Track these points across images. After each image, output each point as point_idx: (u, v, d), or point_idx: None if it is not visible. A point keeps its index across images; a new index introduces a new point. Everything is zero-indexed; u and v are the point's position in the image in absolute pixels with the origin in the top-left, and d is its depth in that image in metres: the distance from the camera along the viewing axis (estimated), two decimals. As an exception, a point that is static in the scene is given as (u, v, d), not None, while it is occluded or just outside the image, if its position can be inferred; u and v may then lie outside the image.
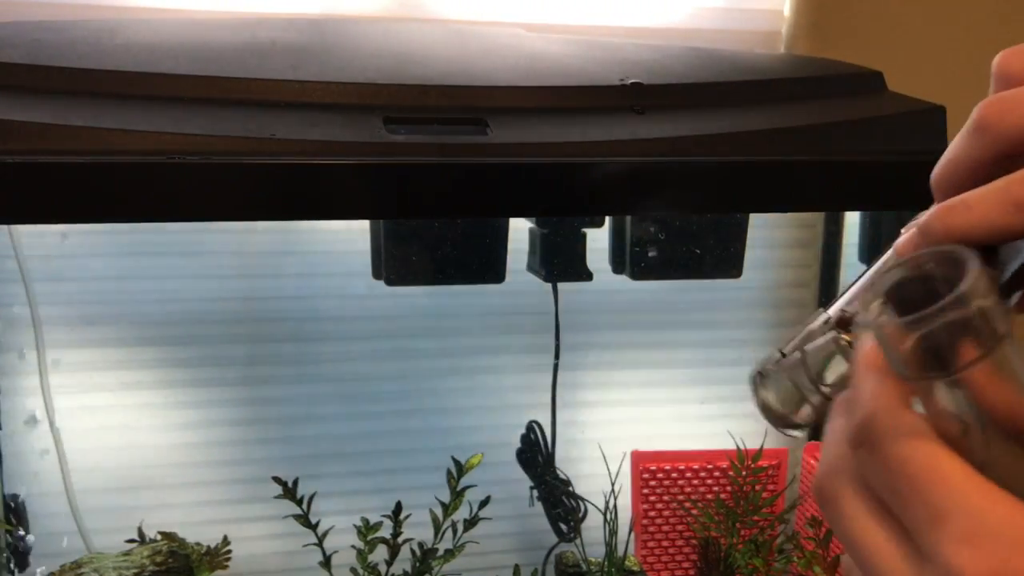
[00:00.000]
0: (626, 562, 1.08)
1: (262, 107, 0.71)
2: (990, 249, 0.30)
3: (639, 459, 1.12)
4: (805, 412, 0.36)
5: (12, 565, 0.97)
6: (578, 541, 1.08)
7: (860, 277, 0.36)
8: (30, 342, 1.00)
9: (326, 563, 0.96)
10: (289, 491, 0.94)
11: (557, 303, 1.06)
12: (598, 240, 0.98)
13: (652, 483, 1.12)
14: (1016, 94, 0.31)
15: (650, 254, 0.95)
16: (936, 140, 0.82)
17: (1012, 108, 0.30)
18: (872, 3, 1.15)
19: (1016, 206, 0.29)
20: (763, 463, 1.05)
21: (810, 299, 1.22)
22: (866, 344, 0.30)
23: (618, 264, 0.98)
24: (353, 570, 0.97)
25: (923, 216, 0.32)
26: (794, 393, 0.36)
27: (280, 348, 1.08)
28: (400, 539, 0.96)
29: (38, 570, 0.98)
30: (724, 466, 1.09)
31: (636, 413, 1.19)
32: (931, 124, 0.84)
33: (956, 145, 0.32)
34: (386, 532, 0.96)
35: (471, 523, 0.98)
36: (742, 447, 1.05)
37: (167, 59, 0.75)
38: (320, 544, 0.95)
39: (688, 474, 1.12)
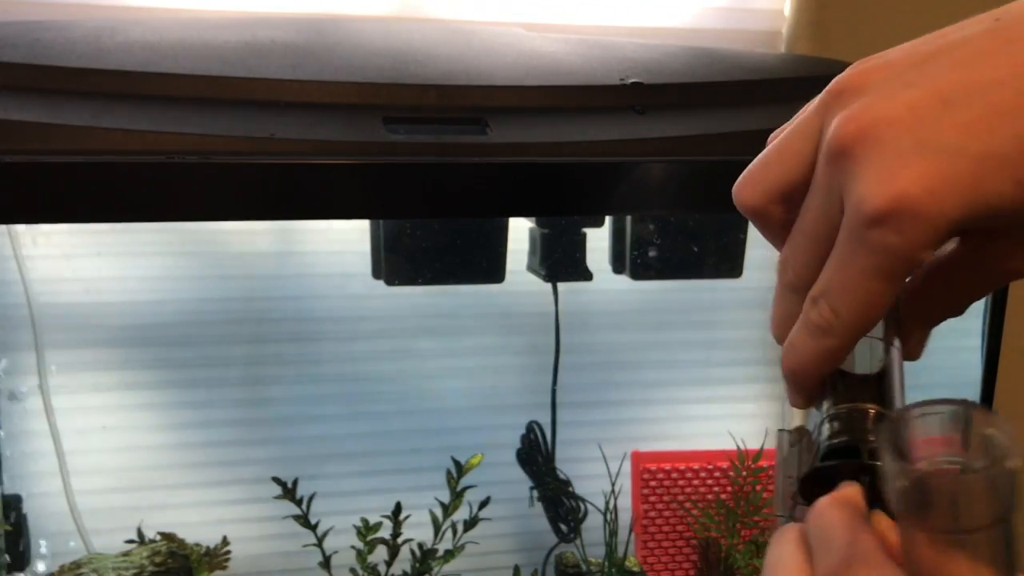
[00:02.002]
0: (626, 562, 1.07)
1: (262, 107, 0.71)
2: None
3: (639, 459, 1.12)
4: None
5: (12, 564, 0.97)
6: (578, 541, 1.08)
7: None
8: (30, 342, 1.00)
9: (326, 564, 0.96)
10: (289, 491, 0.94)
11: (557, 303, 1.06)
12: (598, 240, 0.98)
13: (652, 483, 1.12)
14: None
15: (650, 254, 0.95)
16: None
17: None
18: (872, 3, 1.15)
19: (821, 331, 0.31)
20: (763, 463, 1.05)
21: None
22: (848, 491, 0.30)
23: (618, 264, 0.98)
24: (352, 571, 0.97)
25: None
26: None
27: (280, 348, 1.08)
28: (400, 540, 0.96)
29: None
30: (724, 466, 1.09)
31: (636, 413, 1.18)
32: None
33: (779, 302, 0.34)
34: (386, 532, 0.96)
35: (471, 523, 0.98)
36: (742, 447, 1.05)
37: (167, 59, 0.75)
38: (320, 545, 0.95)
39: (688, 474, 1.12)
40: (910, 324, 0.35)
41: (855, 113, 0.29)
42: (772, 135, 0.34)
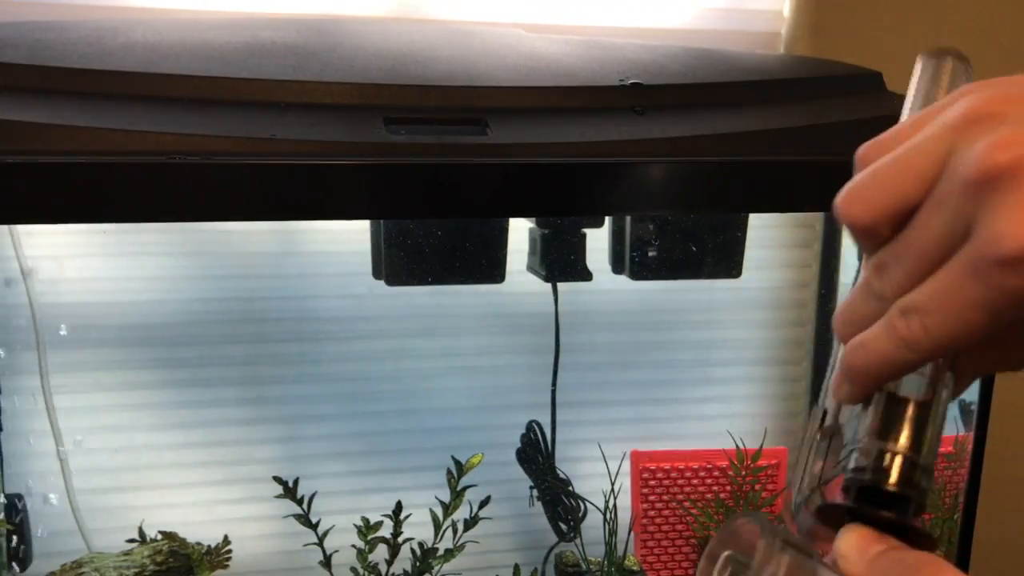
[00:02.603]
0: (626, 562, 1.08)
1: (262, 107, 0.72)
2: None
3: (639, 459, 1.12)
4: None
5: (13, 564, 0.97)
6: (578, 541, 1.08)
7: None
8: (30, 342, 1.00)
9: (326, 563, 0.96)
10: (289, 491, 0.94)
11: (557, 303, 1.06)
12: (598, 240, 0.98)
13: (652, 483, 1.12)
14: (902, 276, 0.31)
15: (650, 254, 0.95)
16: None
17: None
18: (872, 3, 1.16)
19: (905, 343, 0.30)
20: (762, 463, 1.05)
21: (810, 299, 1.22)
22: None
23: (618, 264, 0.98)
24: (353, 569, 0.97)
25: (840, 357, 0.34)
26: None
27: (280, 348, 1.08)
28: (400, 539, 0.96)
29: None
30: (724, 466, 1.10)
31: (636, 413, 1.19)
32: (930, 124, 0.83)
33: (858, 303, 0.33)
34: (386, 532, 0.97)
35: (471, 523, 0.98)
36: (742, 447, 1.05)
37: (167, 59, 0.75)
38: (320, 544, 0.95)
39: (688, 474, 1.12)
40: (965, 368, 0.34)
41: (1007, 142, 0.28)
42: (864, 149, 0.33)
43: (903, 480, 0.31)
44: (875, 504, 0.31)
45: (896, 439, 0.32)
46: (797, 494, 0.37)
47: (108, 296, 1.02)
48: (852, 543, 0.31)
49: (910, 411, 0.32)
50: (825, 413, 0.36)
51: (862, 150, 0.33)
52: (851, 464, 0.32)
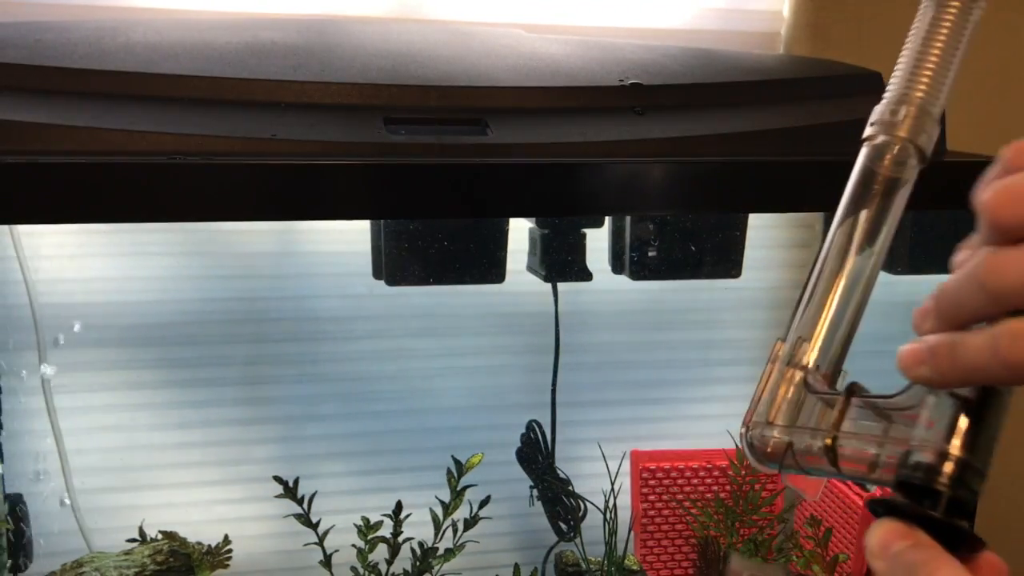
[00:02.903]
0: (625, 561, 1.08)
1: (263, 108, 0.72)
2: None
3: (639, 459, 1.12)
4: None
5: (22, 562, 0.97)
6: (578, 540, 1.08)
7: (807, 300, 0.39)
8: (30, 342, 1.00)
9: (327, 562, 0.96)
10: (290, 490, 0.94)
11: (557, 303, 1.06)
12: (598, 240, 0.98)
13: (652, 482, 1.12)
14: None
15: (650, 254, 0.95)
16: (935, 140, 0.82)
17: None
18: (871, 4, 1.16)
19: (1007, 366, 0.30)
20: (762, 463, 1.05)
21: (809, 299, 1.22)
22: None
23: (618, 264, 0.98)
24: (354, 569, 0.97)
25: (931, 339, 0.32)
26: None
27: (280, 348, 1.08)
28: (400, 538, 0.96)
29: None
30: (723, 465, 1.10)
31: (636, 413, 1.19)
32: (930, 124, 0.84)
33: (960, 289, 0.32)
34: (386, 531, 0.97)
35: (471, 522, 0.98)
36: (741, 446, 1.05)
37: (167, 59, 0.75)
38: (321, 543, 0.95)
39: (687, 473, 1.12)
40: None
41: None
42: (1017, 150, 0.32)
43: (962, 485, 0.31)
44: (923, 498, 0.31)
45: (961, 443, 0.31)
46: (761, 426, 0.38)
47: (109, 296, 1.02)
48: (879, 538, 0.32)
49: (977, 414, 0.32)
50: (802, 342, 0.36)
51: (1014, 151, 0.32)
52: (906, 461, 0.32)
